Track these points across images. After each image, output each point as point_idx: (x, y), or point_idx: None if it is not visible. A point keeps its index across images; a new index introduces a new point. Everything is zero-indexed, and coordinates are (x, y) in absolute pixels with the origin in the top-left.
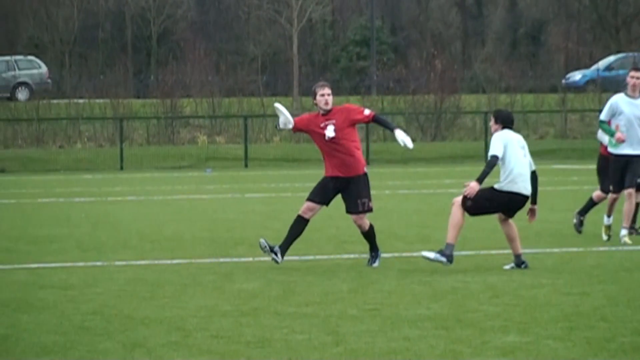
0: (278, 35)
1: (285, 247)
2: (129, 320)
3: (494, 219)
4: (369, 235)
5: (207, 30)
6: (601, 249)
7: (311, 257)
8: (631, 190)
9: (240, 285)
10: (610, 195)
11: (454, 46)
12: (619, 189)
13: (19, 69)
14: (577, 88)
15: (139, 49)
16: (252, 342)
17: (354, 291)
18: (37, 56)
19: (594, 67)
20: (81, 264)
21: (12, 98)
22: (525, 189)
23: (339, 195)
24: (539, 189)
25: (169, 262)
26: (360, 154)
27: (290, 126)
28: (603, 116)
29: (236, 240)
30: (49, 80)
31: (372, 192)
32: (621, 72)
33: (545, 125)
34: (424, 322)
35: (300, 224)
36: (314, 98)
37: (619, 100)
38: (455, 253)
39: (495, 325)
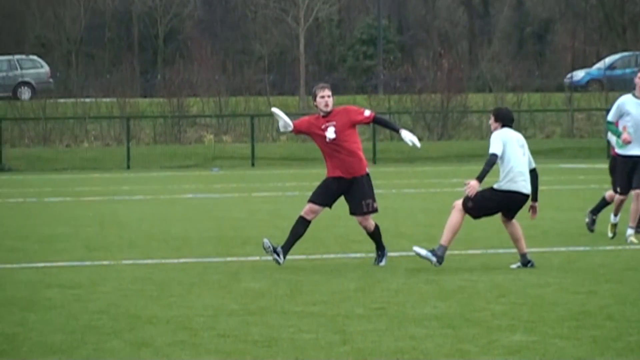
0: (285, 35)
1: (287, 248)
2: (136, 320)
3: (499, 218)
4: (375, 235)
5: (213, 29)
6: (608, 248)
7: (318, 256)
8: (639, 191)
9: (247, 284)
10: (617, 197)
11: (460, 45)
12: (626, 190)
13: (21, 68)
14: (579, 87)
15: (146, 48)
16: (258, 341)
17: (361, 290)
18: (43, 55)
19: (596, 66)
20: (88, 263)
21: (14, 97)
22: (525, 187)
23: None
24: (540, 188)
25: (175, 261)
26: (361, 155)
27: (290, 129)
28: (610, 117)
29: (243, 239)
30: (51, 80)
31: (379, 191)
32: (626, 71)
33: (551, 124)
34: (431, 321)
35: (302, 225)
36: (314, 100)
37: (626, 101)
38: (462, 252)
39: (502, 324)
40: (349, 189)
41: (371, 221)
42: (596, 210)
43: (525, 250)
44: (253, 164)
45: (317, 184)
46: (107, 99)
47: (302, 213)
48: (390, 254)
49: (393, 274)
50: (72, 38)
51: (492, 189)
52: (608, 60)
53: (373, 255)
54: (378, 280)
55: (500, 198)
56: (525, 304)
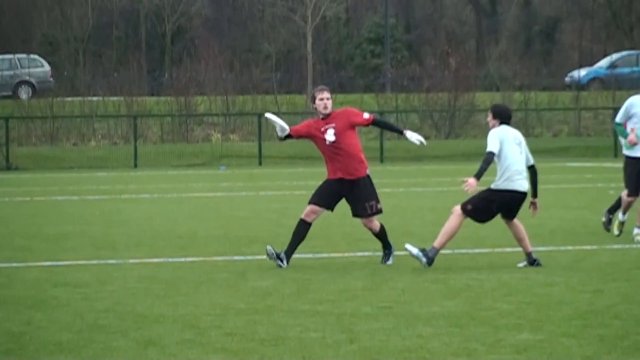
0: (292, 33)
1: (290, 253)
2: (143, 318)
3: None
4: (381, 234)
5: (221, 28)
6: (615, 247)
7: (325, 255)
8: None
9: (254, 283)
10: (626, 198)
11: (468, 44)
12: (635, 192)
13: (22, 67)
14: (580, 86)
15: (153, 47)
16: (265, 340)
17: (368, 289)
18: (50, 54)
19: (597, 64)
20: (95, 261)
21: (15, 96)
22: (522, 185)
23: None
24: (547, 186)
25: (182, 259)
26: (362, 156)
27: (287, 132)
28: (618, 118)
29: (250, 238)
30: (52, 79)
31: (387, 190)
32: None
33: (559, 122)
34: (438, 319)
35: (303, 228)
36: (313, 102)
37: (634, 102)
38: (469, 250)
39: (509, 323)
40: (350, 191)
41: (376, 222)
42: (613, 210)
43: (530, 249)
44: (260, 163)
45: None
46: (115, 98)
47: (302, 215)
48: (397, 252)
49: (400, 272)
50: (79, 37)
51: (489, 189)
52: (610, 59)
53: (380, 253)
54: (385, 279)
55: (499, 198)
56: (532, 302)
